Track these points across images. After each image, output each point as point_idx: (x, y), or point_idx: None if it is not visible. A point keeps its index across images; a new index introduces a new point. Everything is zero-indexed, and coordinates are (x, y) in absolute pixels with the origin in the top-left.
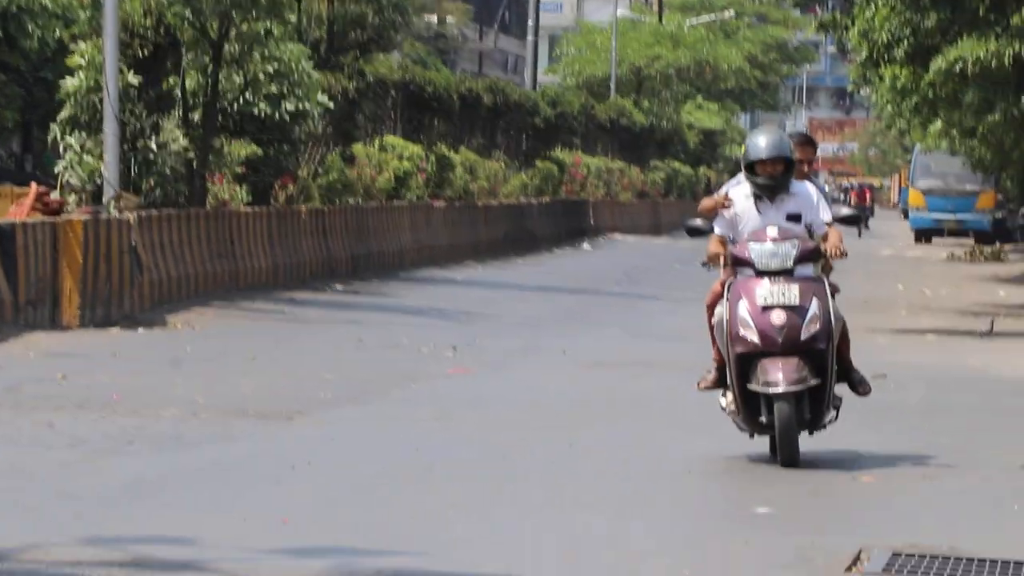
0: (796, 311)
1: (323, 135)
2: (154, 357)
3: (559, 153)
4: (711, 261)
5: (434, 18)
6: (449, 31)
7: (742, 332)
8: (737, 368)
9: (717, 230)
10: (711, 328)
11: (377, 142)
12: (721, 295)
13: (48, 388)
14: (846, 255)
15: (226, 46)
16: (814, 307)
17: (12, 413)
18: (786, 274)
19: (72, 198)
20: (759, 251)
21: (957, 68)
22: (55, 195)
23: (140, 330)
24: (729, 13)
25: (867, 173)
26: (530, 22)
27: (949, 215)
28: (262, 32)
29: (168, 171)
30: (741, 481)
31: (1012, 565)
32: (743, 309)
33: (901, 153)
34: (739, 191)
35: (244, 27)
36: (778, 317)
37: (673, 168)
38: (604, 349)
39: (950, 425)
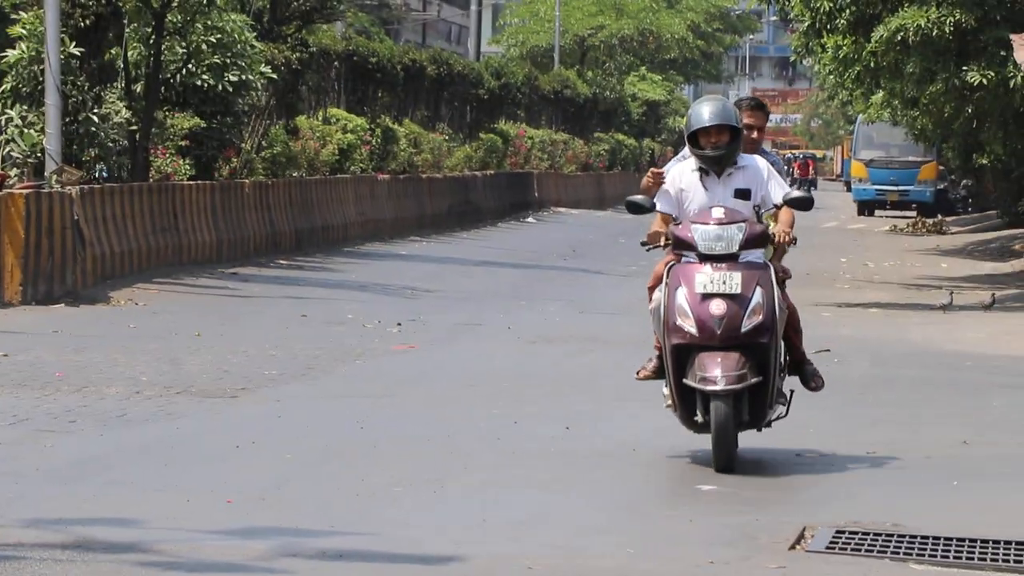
0: (737, 300)
1: (266, 107)
2: (97, 334)
3: (503, 125)
4: (652, 241)
5: None
6: (392, 1)
7: (679, 321)
8: (674, 360)
9: (660, 207)
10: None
11: (321, 114)
12: (663, 278)
13: None
14: (795, 241)
15: (168, 16)
16: (757, 296)
17: None
18: (730, 259)
19: (13, 172)
20: (702, 233)
21: (899, 37)
22: None
23: (83, 306)
24: None
25: (810, 144)
26: None
27: (891, 187)
28: (204, 1)
29: (111, 144)
30: (685, 458)
31: (955, 541)
32: (681, 297)
33: (844, 124)
34: (684, 166)
35: None
36: (717, 307)
37: (617, 140)
38: (549, 324)
39: (893, 400)
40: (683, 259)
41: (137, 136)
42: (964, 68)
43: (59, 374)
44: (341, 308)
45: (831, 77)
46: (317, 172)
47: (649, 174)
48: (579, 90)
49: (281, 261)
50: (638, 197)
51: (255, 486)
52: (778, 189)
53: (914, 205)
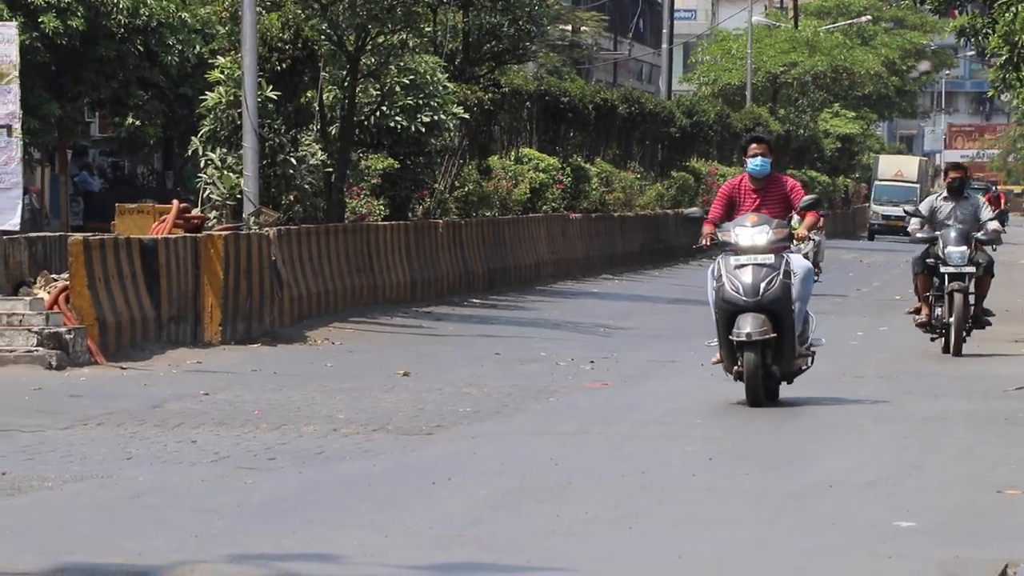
0: None
1: (459, 147)
2: (294, 373)
3: (695, 163)
4: None
5: (568, 28)
6: (583, 41)
7: None
8: None
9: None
10: None
11: (513, 154)
12: None
13: (191, 404)
14: None
15: (363, 59)
16: None
17: (156, 430)
18: None
19: (213, 214)
20: None
21: None
22: (196, 211)
23: (280, 346)
24: (866, 18)
25: (1006, 179)
26: (664, 30)
27: None
28: (398, 44)
29: (307, 186)
30: (882, 495)
31: None
32: None
33: None
34: None
35: (380, 39)
36: None
37: (810, 177)
38: None
39: None
40: None
41: (332, 178)
42: None
43: (258, 412)
44: (534, 346)
45: None
46: (509, 211)
47: None
48: (771, 127)
49: (474, 300)
50: None
51: (451, 523)
52: None
53: None
